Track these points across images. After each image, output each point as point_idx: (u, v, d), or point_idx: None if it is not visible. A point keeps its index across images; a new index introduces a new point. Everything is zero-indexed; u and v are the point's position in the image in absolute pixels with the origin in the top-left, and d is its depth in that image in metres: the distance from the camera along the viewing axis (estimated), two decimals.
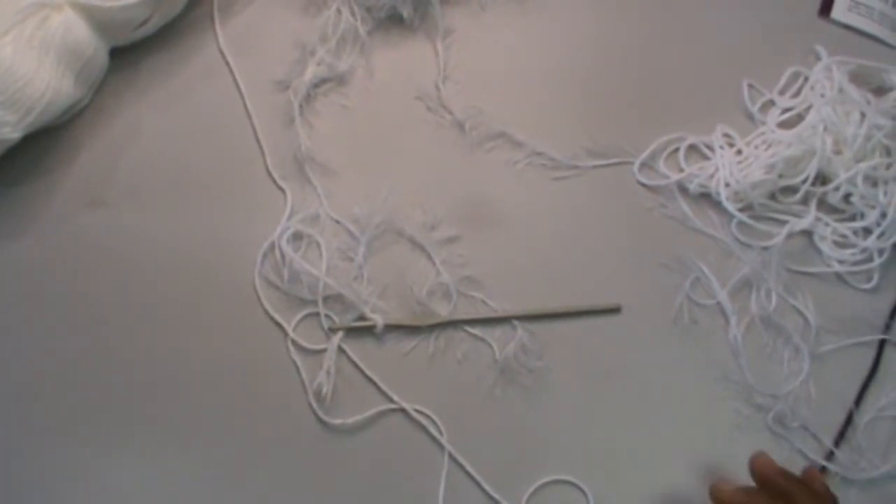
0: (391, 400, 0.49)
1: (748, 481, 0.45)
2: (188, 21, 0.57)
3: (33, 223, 0.52)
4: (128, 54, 0.56)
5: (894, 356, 0.53)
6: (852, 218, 0.56)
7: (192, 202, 0.53)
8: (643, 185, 0.56)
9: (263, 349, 0.50)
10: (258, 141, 0.55)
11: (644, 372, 0.51)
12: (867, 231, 0.55)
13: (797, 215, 0.55)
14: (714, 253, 0.54)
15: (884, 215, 0.55)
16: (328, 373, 0.49)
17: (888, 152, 0.56)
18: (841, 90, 0.57)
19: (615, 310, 0.53)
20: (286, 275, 0.51)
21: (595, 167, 0.56)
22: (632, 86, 0.59)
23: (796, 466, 0.46)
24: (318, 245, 0.52)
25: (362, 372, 0.50)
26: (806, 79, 0.59)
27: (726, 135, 0.57)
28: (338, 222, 0.53)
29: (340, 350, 0.50)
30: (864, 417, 0.51)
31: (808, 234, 0.55)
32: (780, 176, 0.55)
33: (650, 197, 0.56)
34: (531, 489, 0.48)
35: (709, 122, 0.58)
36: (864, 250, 0.55)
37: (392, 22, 0.59)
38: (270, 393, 0.49)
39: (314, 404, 0.49)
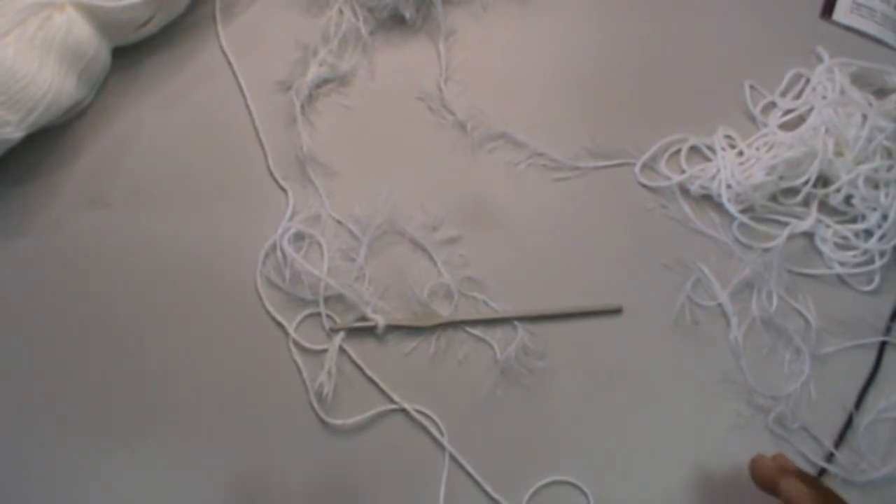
0: (392, 400, 0.49)
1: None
2: (190, 21, 0.57)
3: (34, 223, 0.52)
4: (130, 54, 0.56)
5: (895, 358, 0.53)
6: (853, 220, 0.56)
7: (194, 202, 0.53)
8: (644, 186, 0.56)
9: (264, 349, 0.50)
10: (260, 141, 0.55)
11: (645, 373, 0.51)
12: (868, 233, 0.55)
13: (798, 217, 0.55)
14: (715, 254, 0.54)
15: (885, 217, 0.54)
16: (329, 373, 0.49)
17: (889, 154, 0.56)
18: (842, 92, 0.57)
19: (616, 311, 0.53)
20: (287, 275, 0.51)
21: (596, 168, 0.56)
22: (633, 87, 0.59)
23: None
24: (320, 245, 0.52)
25: (363, 372, 0.50)
26: (807, 80, 0.59)
27: (728, 136, 0.57)
28: (339, 222, 0.53)
29: (341, 350, 0.50)
30: (864, 419, 0.51)
31: (809, 235, 0.55)
32: (782, 178, 0.55)
33: (651, 198, 0.56)
34: (532, 490, 0.48)
35: (710, 123, 0.58)
36: (865, 252, 0.55)
37: (394, 22, 0.59)
38: (271, 393, 0.49)
39: (315, 404, 0.49)
